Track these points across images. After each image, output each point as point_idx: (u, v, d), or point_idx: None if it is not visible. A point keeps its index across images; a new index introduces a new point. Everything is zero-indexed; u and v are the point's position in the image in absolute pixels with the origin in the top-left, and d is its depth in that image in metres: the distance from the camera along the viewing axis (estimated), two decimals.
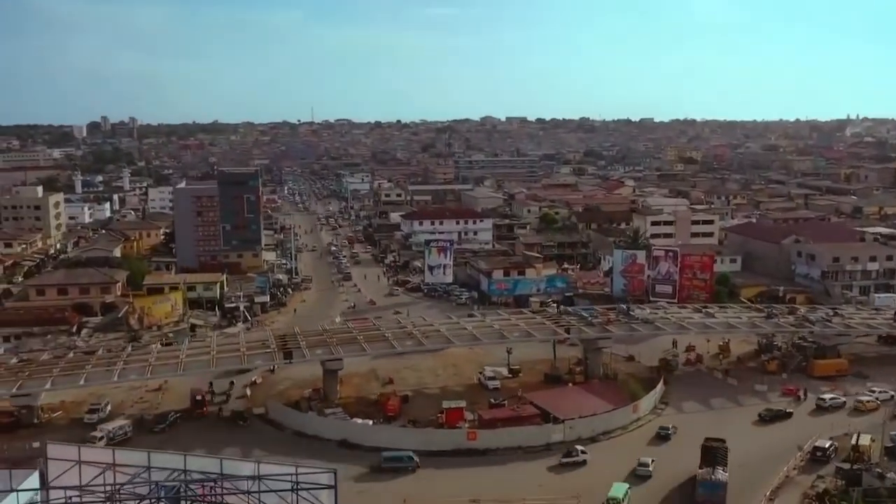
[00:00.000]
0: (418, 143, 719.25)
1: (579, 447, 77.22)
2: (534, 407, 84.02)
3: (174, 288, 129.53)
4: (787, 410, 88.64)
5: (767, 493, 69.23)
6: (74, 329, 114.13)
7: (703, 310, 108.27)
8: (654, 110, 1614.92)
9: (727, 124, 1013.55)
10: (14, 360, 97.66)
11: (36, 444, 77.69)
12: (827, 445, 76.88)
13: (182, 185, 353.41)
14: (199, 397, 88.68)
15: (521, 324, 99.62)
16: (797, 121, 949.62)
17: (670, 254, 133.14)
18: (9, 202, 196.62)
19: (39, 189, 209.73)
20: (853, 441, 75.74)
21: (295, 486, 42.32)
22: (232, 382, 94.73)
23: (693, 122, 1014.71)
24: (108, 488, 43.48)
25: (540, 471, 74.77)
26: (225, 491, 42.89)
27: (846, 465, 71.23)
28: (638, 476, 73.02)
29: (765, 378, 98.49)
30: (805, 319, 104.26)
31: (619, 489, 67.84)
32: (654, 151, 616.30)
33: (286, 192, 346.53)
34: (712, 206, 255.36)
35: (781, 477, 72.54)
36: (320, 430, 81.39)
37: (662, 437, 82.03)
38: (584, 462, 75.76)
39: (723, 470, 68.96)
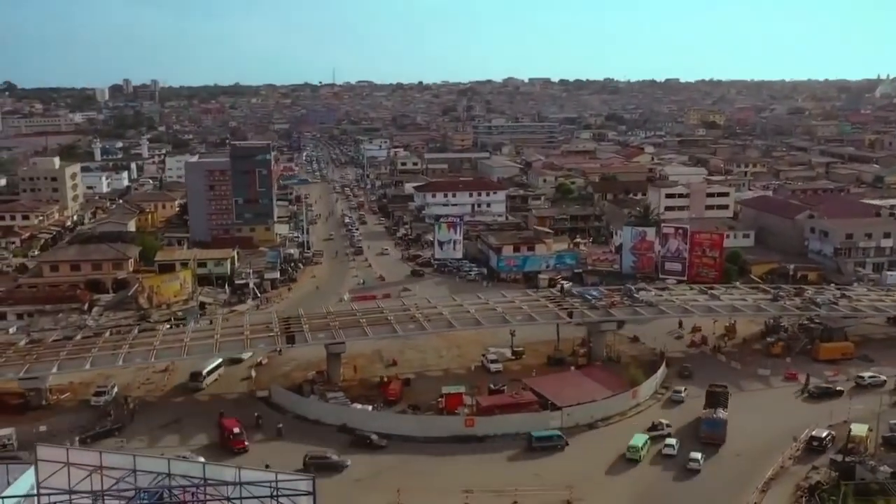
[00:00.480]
0: (439, 106, 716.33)
1: (664, 420, 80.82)
2: (533, 393, 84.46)
3: (185, 264, 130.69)
4: (837, 388, 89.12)
5: (760, 485, 69.59)
6: (86, 307, 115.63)
7: (709, 291, 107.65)
8: (681, 70, 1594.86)
9: (754, 85, 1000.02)
10: (24, 340, 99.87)
11: (43, 428, 79.91)
12: (824, 435, 76.83)
13: (202, 150, 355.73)
14: (236, 430, 76.58)
15: (524, 307, 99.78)
16: (826, 81, 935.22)
17: (680, 231, 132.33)
18: (26, 174, 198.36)
19: (56, 160, 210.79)
20: (848, 431, 75.59)
21: (275, 493, 43.05)
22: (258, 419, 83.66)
23: (719, 83, 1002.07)
24: (94, 492, 44.51)
25: (537, 455, 75.48)
26: (207, 496, 43.72)
27: (839, 457, 71.07)
28: (673, 401, 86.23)
29: (768, 361, 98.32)
30: (811, 302, 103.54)
31: (638, 439, 75.60)
32: (677, 114, 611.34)
33: (304, 158, 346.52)
34: (731, 174, 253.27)
35: (776, 467, 72.83)
36: (321, 414, 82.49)
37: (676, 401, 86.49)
38: (668, 434, 78.68)
39: (723, 410, 79.08)
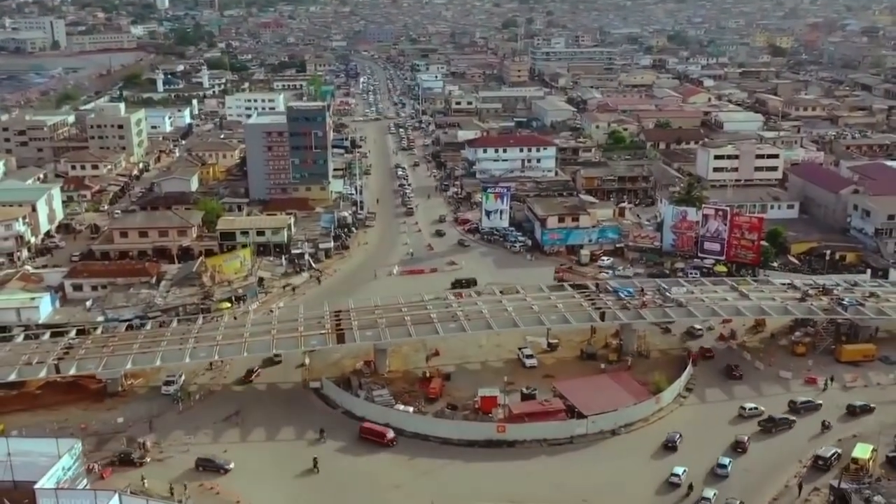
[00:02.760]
0: (499, 17, 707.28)
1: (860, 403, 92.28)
2: (562, 398, 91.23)
3: (244, 234, 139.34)
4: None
5: None
6: (154, 280, 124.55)
7: (739, 288, 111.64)
8: None
9: None
10: (100, 319, 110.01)
11: (120, 420, 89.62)
12: (829, 454, 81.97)
13: (261, 76, 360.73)
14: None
15: (560, 304, 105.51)
16: None
17: (720, 213, 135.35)
18: (94, 121, 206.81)
19: (121, 106, 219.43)
20: (852, 453, 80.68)
21: None
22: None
23: None
24: None
25: (560, 465, 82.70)
26: None
27: (836, 482, 76.26)
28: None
29: (791, 362, 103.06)
30: (838, 303, 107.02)
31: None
32: (743, 30, 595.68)
33: (360, 87, 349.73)
34: (789, 117, 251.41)
35: (780, 487, 78.89)
36: (367, 413, 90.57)
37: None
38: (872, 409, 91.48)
39: None
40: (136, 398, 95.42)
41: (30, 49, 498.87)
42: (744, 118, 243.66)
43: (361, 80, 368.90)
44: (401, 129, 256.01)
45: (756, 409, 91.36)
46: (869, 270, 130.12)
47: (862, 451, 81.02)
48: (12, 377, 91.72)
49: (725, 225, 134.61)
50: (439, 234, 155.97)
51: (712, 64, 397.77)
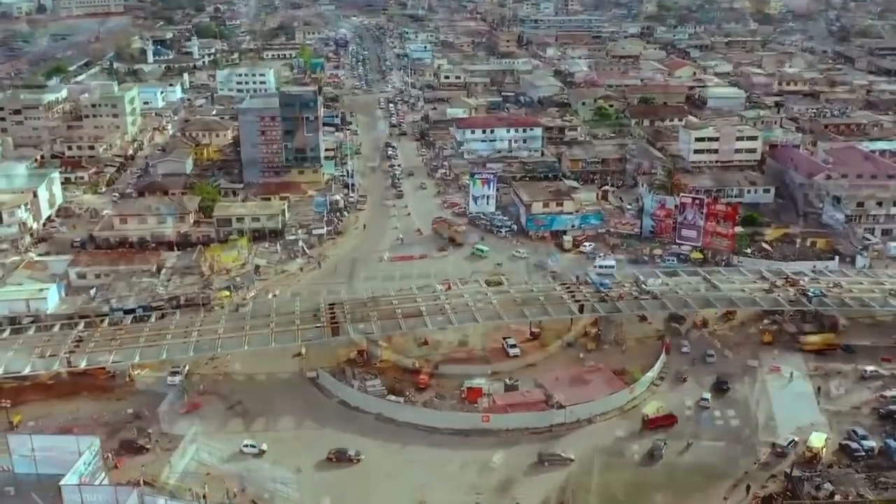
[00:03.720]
0: None
1: None
2: (543, 388, 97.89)
3: (240, 220, 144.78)
4: None
5: (723, 493, 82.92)
6: (154, 269, 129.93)
7: (711, 279, 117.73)
8: None
9: None
10: (105, 310, 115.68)
11: (130, 411, 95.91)
12: (786, 444, 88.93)
13: (252, 45, 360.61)
14: None
15: (541, 297, 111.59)
16: None
17: (697, 202, 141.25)
18: (88, 100, 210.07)
19: (115, 85, 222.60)
20: (807, 441, 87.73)
21: None
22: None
23: None
24: None
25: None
26: None
27: (790, 470, 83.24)
28: None
29: (758, 350, 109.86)
30: (803, 294, 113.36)
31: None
32: None
33: (350, 57, 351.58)
34: (772, 94, 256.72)
35: (740, 474, 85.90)
36: (360, 402, 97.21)
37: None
38: None
39: None
40: (143, 388, 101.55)
41: (15, 14, 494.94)
42: (727, 94, 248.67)
43: (350, 48, 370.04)
44: (390, 105, 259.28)
45: (875, 371, 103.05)
46: (837, 257, 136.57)
47: (817, 440, 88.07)
48: (27, 370, 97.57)
49: (702, 213, 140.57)
50: (422, 187, 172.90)
51: (700, 32, 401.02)
